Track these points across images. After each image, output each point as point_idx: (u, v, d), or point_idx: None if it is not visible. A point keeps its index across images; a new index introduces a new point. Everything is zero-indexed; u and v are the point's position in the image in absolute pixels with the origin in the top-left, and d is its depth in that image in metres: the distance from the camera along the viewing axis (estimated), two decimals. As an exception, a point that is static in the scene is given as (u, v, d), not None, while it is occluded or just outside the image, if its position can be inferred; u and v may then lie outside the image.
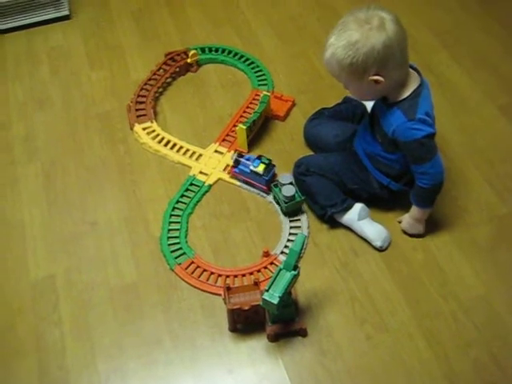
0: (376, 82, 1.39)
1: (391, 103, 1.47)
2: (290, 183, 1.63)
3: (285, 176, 1.65)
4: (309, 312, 1.48)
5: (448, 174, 1.72)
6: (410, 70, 1.46)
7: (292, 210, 1.64)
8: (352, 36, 1.35)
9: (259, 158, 1.68)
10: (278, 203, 1.67)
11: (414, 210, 1.57)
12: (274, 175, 1.69)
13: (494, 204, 1.66)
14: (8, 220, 1.69)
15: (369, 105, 1.66)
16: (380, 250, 1.58)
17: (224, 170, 1.76)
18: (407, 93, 1.45)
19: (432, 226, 1.62)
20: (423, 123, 1.43)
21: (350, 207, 1.59)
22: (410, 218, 1.59)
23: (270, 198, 1.69)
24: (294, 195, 1.62)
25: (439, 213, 1.65)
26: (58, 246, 1.63)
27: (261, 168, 1.66)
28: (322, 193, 1.61)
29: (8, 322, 1.49)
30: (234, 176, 1.74)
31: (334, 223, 1.63)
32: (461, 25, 2.16)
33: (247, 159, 1.68)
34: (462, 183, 1.71)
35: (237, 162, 1.70)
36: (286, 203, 1.62)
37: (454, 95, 1.93)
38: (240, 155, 1.71)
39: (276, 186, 1.66)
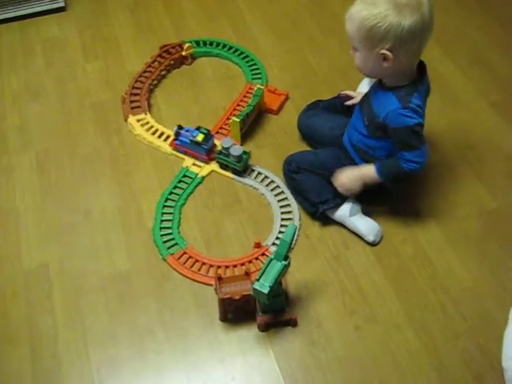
0: (385, 58, 1.38)
1: (387, 87, 1.48)
2: (233, 144, 1.70)
3: (225, 140, 1.71)
4: (299, 303, 1.49)
5: (439, 168, 1.75)
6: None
7: (245, 167, 1.73)
8: (386, 3, 1.33)
9: (198, 128, 1.74)
10: (226, 168, 1.74)
11: (369, 172, 1.54)
12: (214, 145, 1.75)
13: (483, 199, 1.68)
14: (2, 209, 1.70)
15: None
16: (372, 244, 1.59)
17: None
18: (406, 82, 1.46)
19: (422, 219, 1.64)
20: (415, 112, 1.44)
21: (341, 203, 1.60)
22: (355, 174, 1.56)
23: (263, 189, 1.70)
24: (242, 153, 1.69)
25: (429, 206, 1.67)
26: (51, 235, 1.64)
27: (200, 138, 1.72)
28: (313, 190, 1.61)
29: (1, 309, 1.50)
30: (175, 148, 1.78)
31: (325, 220, 1.64)
32: (455, 21, 2.17)
33: (187, 131, 1.74)
34: (453, 178, 1.73)
35: (177, 134, 1.75)
36: (238, 163, 1.69)
37: (447, 91, 1.95)
38: (180, 127, 1.76)
39: (220, 153, 1.71)
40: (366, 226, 1.60)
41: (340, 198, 1.60)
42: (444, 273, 1.54)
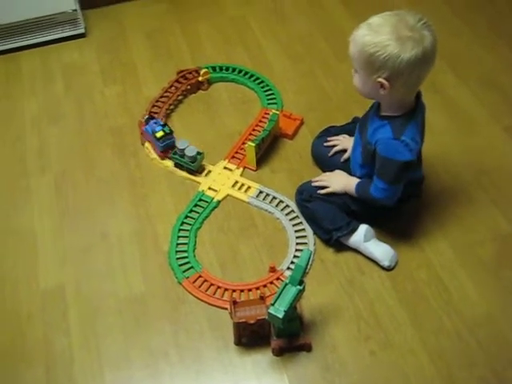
0: (382, 85, 1.39)
1: (383, 116, 1.49)
2: (188, 145, 1.77)
3: (181, 141, 1.79)
4: (314, 327, 1.49)
5: (453, 193, 1.75)
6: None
7: (199, 167, 1.81)
8: (389, 33, 1.33)
9: (163, 125, 1.82)
10: (181, 168, 1.81)
11: (352, 184, 1.59)
12: (173, 146, 1.81)
13: (498, 224, 1.68)
14: (20, 230, 1.72)
15: None
16: (388, 269, 1.59)
17: (233, 186, 1.79)
18: (402, 112, 1.46)
19: (436, 244, 1.64)
20: (406, 146, 1.44)
21: (355, 229, 1.60)
22: (343, 180, 1.63)
23: (278, 214, 1.71)
24: (196, 154, 1.77)
25: (444, 231, 1.67)
26: (68, 257, 1.66)
27: (159, 134, 1.80)
28: (327, 217, 1.62)
29: (17, 330, 1.52)
30: (142, 133, 1.88)
31: (340, 246, 1.63)
32: (468, 46, 2.19)
33: (155, 122, 1.82)
34: (468, 203, 1.73)
35: (147, 121, 1.84)
36: (192, 163, 1.78)
37: (460, 116, 1.96)
38: (151, 117, 1.86)
39: (175, 153, 1.79)
40: (380, 251, 1.60)
41: (354, 224, 1.60)
42: (459, 298, 1.54)
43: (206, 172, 1.83)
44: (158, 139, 1.80)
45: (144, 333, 1.50)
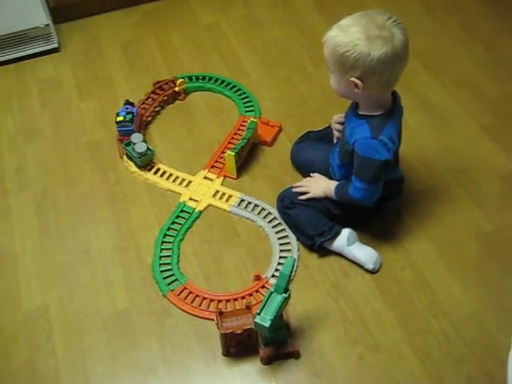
0: (355, 85, 1.41)
1: (361, 115, 1.50)
2: (142, 141, 1.81)
3: (136, 135, 1.82)
4: (301, 334, 1.49)
5: (434, 193, 1.76)
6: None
7: (146, 164, 1.84)
8: (359, 33, 1.35)
9: (128, 113, 1.87)
10: (131, 159, 1.84)
11: (331, 187, 1.60)
12: (129, 133, 1.84)
13: (480, 221, 1.69)
14: (0, 249, 1.70)
15: None
16: (372, 272, 1.60)
17: (214, 196, 1.78)
18: (379, 111, 1.47)
19: (419, 244, 1.65)
20: (384, 146, 1.45)
21: (338, 234, 1.60)
22: (323, 183, 1.64)
23: (260, 222, 1.71)
24: (145, 151, 1.80)
25: (426, 231, 1.67)
26: (50, 275, 1.64)
27: (119, 118, 1.87)
28: (309, 223, 1.61)
29: (2, 352, 1.50)
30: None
31: (323, 251, 1.63)
32: (442, 47, 2.21)
33: (126, 108, 1.89)
34: (448, 202, 1.74)
35: (124, 104, 1.92)
36: (139, 158, 1.81)
37: (437, 116, 1.97)
38: (129, 102, 1.91)
39: (128, 144, 1.82)
40: (364, 254, 1.60)
41: (336, 229, 1.60)
42: (444, 298, 1.54)
43: (186, 183, 1.82)
44: (116, 122, 1.86)
45: (130, 349, 1.49)
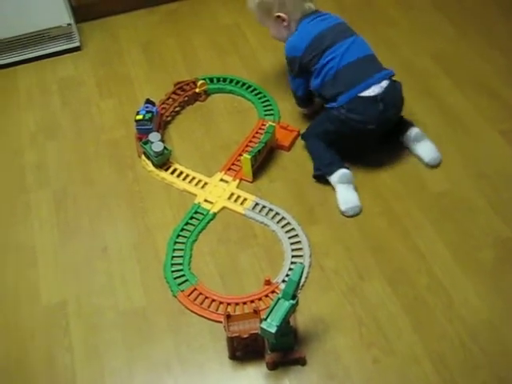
0: (281, 19, 1.78)
1: None
2: (159, 140, 1.82)
3: (154, 134, 1.83)
4: (316, 336, 1.49)
5: (451, 198, 1.76)
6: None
7: (162, 163, 1.86)
8: None
9: (148, 112, 1.88)
10: (149, 158, 1.86)
11: None
12: (147, 132, 1.86)
13: (498, 228, 1.68)
14: (20, 246, 1.72)
15: None
16: (342, 214, 1.72)
17: (229, 198, 1.79)
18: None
19: (435, 249, 1.65)
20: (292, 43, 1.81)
21: (334, 171, 1.74)
22: None
23: (273, 226, 1.71)
24: (162, 150, 1.82)
25: (443, 236, 1.67)
26: (68, 272, 1.66)
27: (138, 117, 1.89)
28: (316, 156, 1.82)
29: (21, 347, 1.52)
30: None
31: (322, 181, 1.79)
32: (461, 52, 2.20)
33: (146, 107, 1.91)
34: (466, 207, 1.73)
35: (145, 103, 1.94)
36: (156, 157, 1.82)
37: (456, 121, 1.97)
38: (150, 101, 1.94)
39: (146, 142, 1.83)
40: (345, 196, 1.73)
41: (335, 167, 1.74)
42: (460, 303, 1.54)
43: (202, 184, 1.83)
44: (136, 120, 1.88)
45: (146, 346, 1.50)
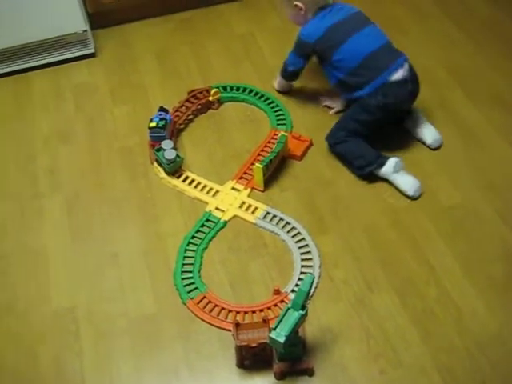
0: (299, 8, 1.90)
1: None
2: (172, 148, 1.84)
3: (167, 142, 1.85)
4: (323, 346, 1.50)
5: (461, 209, 1.76)
6: None
7: (174, 170, 1.88)
8: None
9: (161, 119, 1.90)
10: (161, 165, 1.88)
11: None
12: (160, 139, 1.87)
13: (508, 240, 1.68)
14: (32, 250, 1.74)
15: None
16: (412, 198, 1.78)
17: (240, 207, 1.80)
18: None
19: (445, 261, 1.65)
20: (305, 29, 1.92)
21: (384, 162, 1.80)
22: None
23: (284, 236, 1.72)
24: (174, 158, 1.83)
25: (452, 248, 1.67)
26: (79, 277, 1.67)
27: (152, 124, 1.90)
28: (357, 156, 1.84)
29: (30, 351, 1.53)
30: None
31: (373, 178, 1.83)
32: (477, 66, 2.20)
33: (160, 114, 1.93)
34: (476, 219, 1.74)
35: (159, 110, 1.96)
36: (168, 165, 1.84)
37: (467, 132, 1.97)
38: (163, 109, 1.95)
39: (159, 150, 1.85)
40: (405, 182, 1.79)
41: (383, 159, 1.80)
42: (469, 316, 1.54)
43: (213, 192, 1.84)
44: (149, 128, 1.90)
45: (155, 353, 1.51)
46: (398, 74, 1.81)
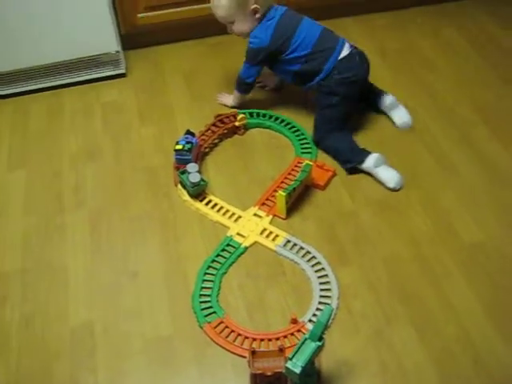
0: (255, 11, 1.94)
1: None
2: (197, 171, 1.86)
3: (192, 165, 1.88)
4: (339, 380, 1.48)
5: (485, 248, 1.74)
6: None
7: (198, 194, 1.90)
8: None
9: (188, 142, 1.92)
10: (184, 188, 1.90)
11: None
12: (186, 162, 1.90)
13: (531, 282, 1.66)
14: (53, 265, 1.76)
15: None
16: (393, 190, 1.88)
17: (261, 233, 1.80)
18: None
19: (466, 301, 1.63)
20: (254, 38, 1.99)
21: (364, 159, 1.90)
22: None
23: (304, 265, 1.71)
24: (199, 181, 1.85)
25: (474, 288, 1.65)
26: (98, 294, 1.68)
27: (178, 147, 1.92)
28: (340, 152, 1.97)
29: (46, 366, 1.54)
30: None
31: (356, 172, 1.94)
32: (502, 101, 2.20)
33: (186, 137, 1.95)
34: (499, 259, 1.72)
35: (185, 133, 1.98)
36: (192, 188, 1.85)
37: (492, 169, 1.96)
38: (190, 132, 1.97)
39: (183, 172, 1.87)
40: (387, 174, 1.89)
41: (363, 155, 1.90)
42: (488, 357, 1.51)
43: (235, 217, 1.85)
44: (175, 150, 1.92)
45: (170, 375, 1.51)
46: (345, 51, 1.97)
